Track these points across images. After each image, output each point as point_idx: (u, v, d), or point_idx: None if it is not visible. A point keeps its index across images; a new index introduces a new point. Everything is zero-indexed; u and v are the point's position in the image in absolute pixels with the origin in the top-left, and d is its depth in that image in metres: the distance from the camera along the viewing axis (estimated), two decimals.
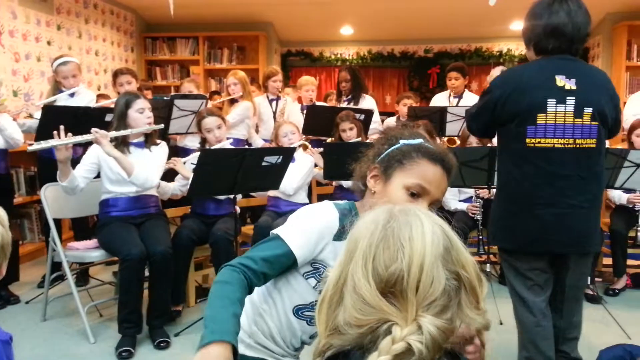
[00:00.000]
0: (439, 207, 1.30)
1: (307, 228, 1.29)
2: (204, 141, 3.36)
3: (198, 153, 2.91)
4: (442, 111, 4.37)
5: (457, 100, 4.77)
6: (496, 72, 2.37)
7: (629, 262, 3.56)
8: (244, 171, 2.77)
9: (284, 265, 1.28)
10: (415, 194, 1.24)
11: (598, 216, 2.07)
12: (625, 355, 1.18)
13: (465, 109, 4.30)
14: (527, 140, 1.94)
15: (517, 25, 6.86)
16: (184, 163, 3.20)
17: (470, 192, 3.75)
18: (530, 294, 2.07)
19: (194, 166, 2.77)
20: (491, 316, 3.07)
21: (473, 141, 3.78)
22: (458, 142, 4.22)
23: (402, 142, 1.30)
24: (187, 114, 3.83)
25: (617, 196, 3.54)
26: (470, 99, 4.79)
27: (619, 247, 3.50)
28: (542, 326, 2.06)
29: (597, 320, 2.94)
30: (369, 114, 4.33)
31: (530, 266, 2.06)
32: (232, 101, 4.35)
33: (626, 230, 3.47)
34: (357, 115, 4.06)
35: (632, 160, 3.02)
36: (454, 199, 3.85)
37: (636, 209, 3.40)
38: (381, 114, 5.27)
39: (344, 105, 4.65)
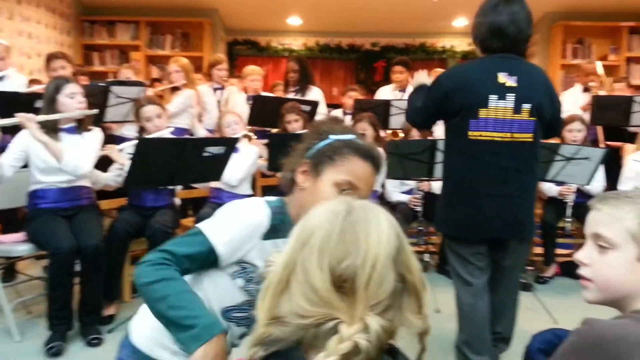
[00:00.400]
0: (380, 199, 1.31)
1: (234, 226, 1.25)
2: (142, 130, 3.24)
3: (135, 141, 2.81)
4: (387, 104, 4.43)
5: (402, 93, 4.84)
6: (421, 77, 2.42)
7: (558, 251, 3.74)
8: (184, 161, 2.69)
9: (206, 262, 1.24)
10: (345, 190, 1.23)
11: (533, 206, 2.20)
12: (554, 338, 1.24)
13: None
14: (470, 133, 2.04)
15: (460, 22, 7.04)
16: (120, 151, 3.07)
17: (411, 184, 3.82)
18: (471, 277, 2.18)
19: (131, 155, 2.67)
20: (429, 304, 3.18)
21: (415, 134, 3.85)
22: (401, 135, 4.29)
23: (332, 137, 1.29)
24: (124, 101, 3.67)
25: (548, 188, 3.70)
26: None
27: (549, 237, 3.67)
28: (479, 308, 2.17)
29: (528, 307, 3.07)
30: (315, 105, 4.31)
31: (472, 251, 2.16)
32: (174, 89, 4.22)
33: (556, 221, 3.63)
34: (303, 107, 4.04)
35: (563, 154, 3.16)
36: (396, 190, 3.91)
37: (565, 201, 3.57)
38: (328, 106, 5.26)
39: (290, 96, 4.61)
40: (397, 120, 4.40)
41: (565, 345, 0.98)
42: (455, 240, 2.20)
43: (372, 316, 0.75)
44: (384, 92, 5.02)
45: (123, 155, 3.02)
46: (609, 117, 4.29)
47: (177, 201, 3.37)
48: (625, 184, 3.63)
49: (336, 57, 7.83)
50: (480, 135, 2.03)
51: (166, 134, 3.20)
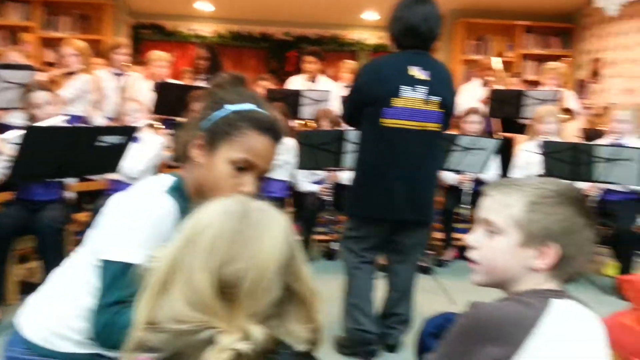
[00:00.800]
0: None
1: (144, 232, 1.12)
2: (31, 118, 2.99)
3: (22, 130, 2.57)
4: (298, 94, 4.42)
5: (312, 84, 4.86)
6: None
7: (457, 236, 3.95)
8: (77, 152, 2.51)
9: None
10: (242, 168, 1.17)
11: (434, 192, 2.37)
12: (445, 322, 1.29)
13: (320, 93, 4.45)
14: (382, 120, 2.20)
15: (369, 15, 7.18)
16: (5, 141, 2.80)
17: (322, 174, 3.85)
18: (359, 249, 2.37)
19: (18, 145, 2.44)
20: (337, 291, 3.19)
21: (325, 125, 3.88)
22: (312, 124, 4.30)
23: (229, 107, 1.19)
24: (11, 86, 3.36)
25: (448, 177, 3.89)
26: (326, 83, 4.91)
27: (448, 223, 3.89)
28: (362, 269, 2.37)
29: (428, 290, 3.21)
30: None
31: (370, 231, 2.34)
32: (69, 74, 3.92)
33: (454, 207, 3.84)
34: None
35: (462, 144, 3.33)
36: (306, 180, 3.92)
37: (462, 188, 3.78)
38: None
39: (199, 84, 4.46)
40: (308, 110, 4.42)
41: (452, 329, 1.02)
42: (358, 220, 2.35)
43: (254, 324, 0.72)
44: (295, 82, 5.01)
45: (9, 146, 2.76)
46: (504, 110, 4.59)
47: (71, 194, 3.14)
48: (515, 172, 3.90)
49: (247, 45, 7.68)
50: (392, 123, 2.19)
51: (59, 122, 2.97)
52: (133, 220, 1.14)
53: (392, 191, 2.22)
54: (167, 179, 1.23)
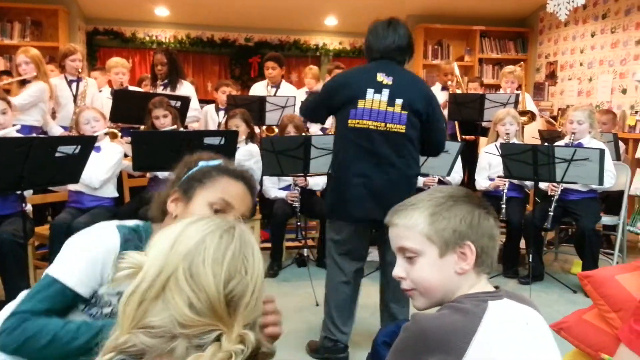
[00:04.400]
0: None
1: (83, 259, 1.19)
2: None
3: None
4: (262, 100, 4.38)
5: (275, 89, 4.83)
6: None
7: None
8: (33, 163, 2.39)
9: (71, 303, 1.19)
10: (219, 210, 1.22)
11: (410, 191, 2.33)
12: (398, 331, 1.30)
13: (284, 98, 4.42)
14: (349, 121, 2.33)
15: (331, 20, 7.22)
16: None
17: (289, 180, 3.82)
18: (341, 259, 2.43)
19: None
20: (308, 298, 3.20)
21: (291, 131, 3.85)
22: (276, 131, 4.27)
23: (201, 163, 1.30)
24: None
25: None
26: (287, 89, 4.88)
27: None
28: (345, 283, 2.44)
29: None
30: (185, 100, 4.12)
31: (349, 234, 2.38)
32: (23, 83, 3.77)
33: None
34: (173, 102, 3.83)
35: None
36: (274, 187, 3.89)
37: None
38: (202, 101, 5.08)
39: (159, 90, 4.36)
40: (273, 116, 4.38)
41: (396, 341, 1.04)
42: (332, 221, 2.44)
43: (249, 331, 0.78)
44: (258, 89, 4.96)
45: None
46: (464, 113, 4.69)
47: (29, 207, 3.01)
48: (480, 174, 3.98)
49: (209, 51, 7.58)
50: (358, 123, 2.31)
51: (12, 132, 2.84)
52: (81, 250, 1.21)
53: (359, 190, 2.30)
54: (136, 225, 1.29)
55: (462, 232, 1.04)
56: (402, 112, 2.30)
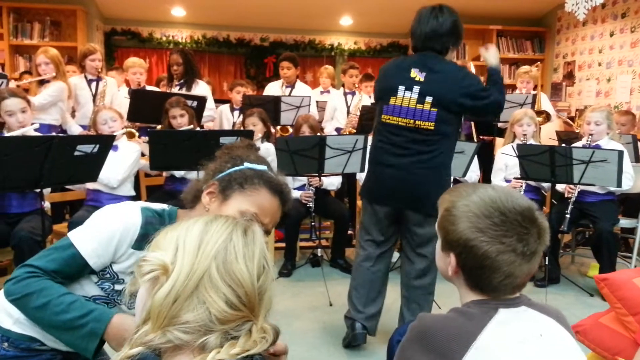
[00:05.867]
0: None
1: (102, 232, 1.21)
2: (2, 126, 2.90)
3: None
4: (277, 100, 4.39)
5: (290, 89, 4.83)
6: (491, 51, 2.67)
7: None
8: (52, 162, 2.43)
9: (80, 270, 1.21)
10: (248, 218, 1.22)
11: (438, 185, 2.35)
12: None
13: (299, 98, 4.43)
14: (383, 116, 2.45)
15: (346, 20, 7.21)
16: None
17: (303, 180, 3.83)
18: (365, 243, 2.57)
19: None
20: (322, 298, 3.20)
21: (306, 131, 3.86)
22: (291, 130, 4.28)
23: (246, 164, 1.28)
24: None
25: None
26: (302, 89, 4.89)
27: None
28: (368, 268, 2.54)
29: None
30: (202, 100, 4.16)
31: (374, 215, 2.50)
32: (42, 82, 3.83)
33: None
34: (190, 102, 3.87)
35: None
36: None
37: None
38: (218, 101, 5.11)
39: (175, 90, 4.40)
40: (288, 116, 4.39)
41: (403, 339, 1.06)
42: (365, 204, 2.57)
43: (267, 324, 0.84)
44: (273, 89, 4.98)
45: None
46: None
47: (47, 205, 3.06)
48: (496, 175, 3.95)
49: (225, 51, 7.62)
50: (389, 119, 2.42)
51: (30, 131, 2.89)
52: (102, 223, 1.24)
53: (384, 177, 2.44)
54: (161, 210, 1.30)
55: (452, 243, 1.05)
56: (432, 109, 2.34)
